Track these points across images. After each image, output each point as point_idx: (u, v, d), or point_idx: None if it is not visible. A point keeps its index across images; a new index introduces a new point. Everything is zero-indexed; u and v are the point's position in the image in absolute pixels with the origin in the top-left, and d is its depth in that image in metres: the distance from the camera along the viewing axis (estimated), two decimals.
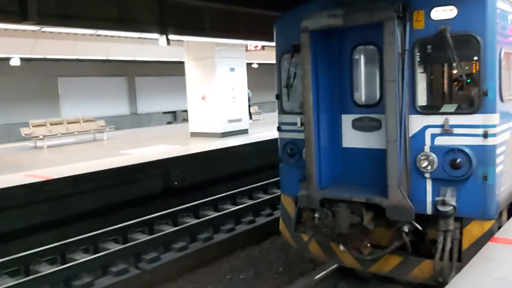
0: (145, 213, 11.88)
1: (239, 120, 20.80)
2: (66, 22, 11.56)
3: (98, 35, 19.55)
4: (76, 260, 9.36)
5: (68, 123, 21.12)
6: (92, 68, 30.56)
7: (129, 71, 33.21)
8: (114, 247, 10.05)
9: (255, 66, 33.57)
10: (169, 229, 11.11)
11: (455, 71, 6.21)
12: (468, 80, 6.23)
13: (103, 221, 11.49)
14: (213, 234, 11.11)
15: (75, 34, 20.90)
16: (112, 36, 21.30)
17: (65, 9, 11.32)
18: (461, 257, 6.07)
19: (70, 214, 11.84)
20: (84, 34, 20.76)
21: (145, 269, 9.30)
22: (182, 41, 19.75)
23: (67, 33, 20.30)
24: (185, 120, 27.15)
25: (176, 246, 10.20)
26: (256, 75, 32.05)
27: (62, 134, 20.29)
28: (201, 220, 11.68)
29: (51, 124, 20.33)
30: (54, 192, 11.92)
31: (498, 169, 6.02)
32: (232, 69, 20.34)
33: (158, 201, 13.20)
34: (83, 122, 21.53)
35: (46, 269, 8.97)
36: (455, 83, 6.41)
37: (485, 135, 5.85)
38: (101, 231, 10.62)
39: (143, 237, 10.56)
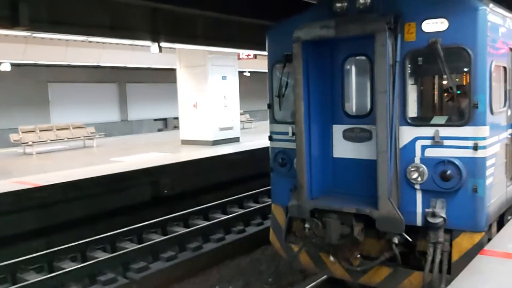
0: (134, 221, 11.77)
1: (231, 128, 20.76)
2: (57, 28, 11.52)
3: (90, 42, 19.47)
4: (64, 268, 9.24)
5: (57, 129, 20.94)
6: (83, 74, 30.43)
7: (120, 77, 33.11)
8: (102, 255, 9.94)
9: (247, 74, 33.62)
10: (158, 238, 11.02)
11: (445, 83, 6.22)
12: (459, 92, 6.27)
13: (92, 229, 11.38)
14: (202, 243, 11.02)
15: (66, 40, 20.79)
16: (103, 43, 21.23)
17: (57, 15, 11.28)
18: (451, 270, 6.06)
19: (58, 222, 11.71)
20: (75, 40, 20.67)
21: (134, 278, 9.20)
22: (174, 48, 19.72)
23: (59, 39, 20.20)
24: (176, 127, 27.00)
25: (165, 255, 10.10)
26: (248, 84, 32.10)
27: (51, 140, 20.10)
28: (190, 229, 11.59)
29: (40, 130, 20.14)
30: (43, 199, 11.79)
31: (488, 181, 6.04)
32: (224, 77, 20.33)
33: (148, 210, 13.10)
34: (73, 128, 21.37)
35: (34, 278, 8.86)
36: (446, 95, 6.43)
37: (475, 148, 5.87)
38: (89, 239, 10.51)
39: (131, 246, 10.46)
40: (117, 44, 20.59)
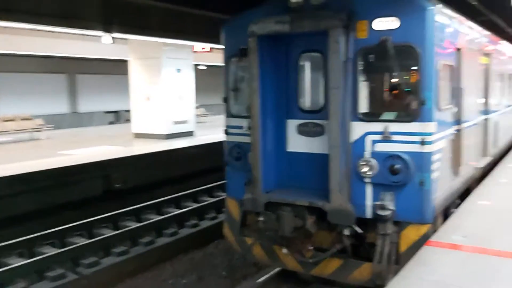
0: (85, 216, 11.48)
1: (185, 122, 20.53)
2: (6, 16, 10.99)
3: (38, 30, 18.74)
4: (10, 264, 8.91)
5: (3, 121, 20.04)
6: (32, 64, 29.25)
7: (71, 68, 32.05)
8: (51, 251, 9.65)
9: (203, 68, 33.36)
10: (110, 232, 10.80)
11: (395, 80, 6.42)
12: (408, 89, 6.49)
13: (40, 224, 11.01)
14: (155, 238, 10.90)
15: (13, 28, 19.91)
16: (53, 32, 20.47)
17: (5, 3, 10.76)
18: (399, 260, 6.28)
19: (4, 217, 11.25)
20: (23, 29, 19.83)
21: (83, 273, 8.99)
22: (127, 39, 19.28)
23: (4, 27, 19.31)
24: (128, 120, 26.45)
25: (117, 250, 9.93)
26: (204, 77, 31.86)
27: None
28: (143, 223, 11.43)
29: None
30: None
31: (434, 175, 6.29)
32: (178, 70, 20.06)
33: (99, 204, 12.82)
34: (20, 120, 20.51)
35: None
36: (394, 91, 6.64)
37: (423, 143, 6.11)
38: (37, 234, 10.16)
39: (81, 241, 10.21)
40: (67, 33, 19.96)
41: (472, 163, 8.59)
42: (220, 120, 7.87)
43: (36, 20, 11.51)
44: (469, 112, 8.16)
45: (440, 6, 6.44)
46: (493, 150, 10.67)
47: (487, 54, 9.79)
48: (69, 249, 9.64)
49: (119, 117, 35.48)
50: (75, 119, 31.98)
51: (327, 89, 6.43)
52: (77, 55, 27.84)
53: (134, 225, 11.40)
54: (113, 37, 13.65)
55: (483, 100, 9.69)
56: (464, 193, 8.10)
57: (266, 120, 6.98)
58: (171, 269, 9.80)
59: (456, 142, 7.40)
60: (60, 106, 32.11)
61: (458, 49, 7.35)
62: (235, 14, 7.63)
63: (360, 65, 6.45)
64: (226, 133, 7.82)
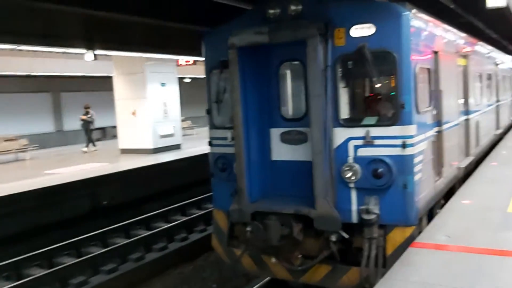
0: (72, 235, 11.38)
1: (172, 135, 20.55)
2: None
3: (20, 50, 18.65)
4: None
5: None
6: (14, 84, 28.98)
7: (54, 86, 31.80)
8: (38, 272, 9.53)
9: (188, 80, 33.39)
10: (98, 250, 10.71)
11: (374, 86, 6.51)
12: (387, 94, 6.58)
13: (26, 245, 10.88)
14: (144, 253, 10.84)
15: None
16: (35, 51, 20.40)
17: None
18: (386, 263, 6.32)
19: None
20: (3, 49, 19.73)
21: None
22: (110, 55, 19.28)
23: None
24: (115, 136, 26.40)
25: (106, 268, 9.85)
26: (189, 90, 31.88)
27: None
28: (131, 240, 11.36)
29: None
30: None
31: (417, 177, 6.36)
32: (163, 84, 20.12)
33: (86, 222, 12.72)
34: (4, 141, 20.33)
35: None
36: (374, 96, 6.72)
37: (404, 146, 6.17)
38: (23, 256, 10.04)
39: (69, 261, 10.10)
40: (49, 52, 19.90)
41: (455, 163, 8.71)
42: (206, 132, 7.89)
43: (17, 40, 11.48)
44: (450, 113, 8.28)
45: (415, 11, 6.55)
46: (475, 150, 10.82)
47: (464, 56, 9.96)
48: (57, 270, 9.52)
49: (106, 133, 35.23)
50: (61, 138, 31.66)
51: (308, 97, 6.49)
52: (60, 73, 27.72)
53: (123, 241, 11.32)
54: (95, 54, 13.66)
55: (463, 101, 9.84)
56: (448, 193, 8.20)
57: (249, 130, 7.01)
58: (160, 285, 9.74)
59: (438, 144, 7.50)
60: (45, 125, 31.79)
61: (435, 52, 7.48)
62: (215, 26, 7.69)
63: (340, 72, 6.52)
64: (210, 144, 7.84)
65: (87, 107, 22.45)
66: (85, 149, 22.01)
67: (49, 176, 14.82)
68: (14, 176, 15.13)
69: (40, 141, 25.71)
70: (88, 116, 22.16)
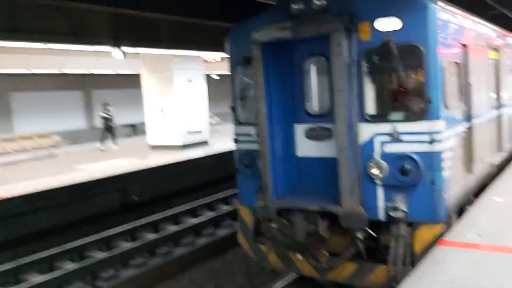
0: (103, 230, 11.62)
1: (199, 131, 20.71)
2: (15, 36, 11.24)
3: (52, 49, 19.10)
4: (30, 281, 9.05)
5: (21, 139, 20.44)
6: (47, 82, 29.76)
7: (86, 84, 32.53)
8: (70, 266, 9.77)
9: (216, 77, 33.54)
10: (128, 245, 10.90)
11: (400, 80, 6.37)
12: (414, 89, 6.43)
13: (59, 239, 11.17)
14: (173, 248, 10.96)
15: (28, 48, 20.33)
16: (67, 50, 20.87)
17: (15, 23, 11.00)
18: (414, 262, 6.20)
19: (24, 234, 11.47)
20: (37, 48, 20.25)
21: (102, 287, 9.08)
22: (138, 53, 19.53)
23: (20, 47, 19.74)
24: (145, 132, 26.80)
25: (135, 262, 10.01)
26: (217, 86, 32.01)
27: (15, 151, 19.61)
28: (160, 235, 11.51)
29: (3, 141, 19.63)
30: (7, 211, 11.54)
31: (445, 174, 6.21)
32: (190, 81, 20.27)
33: (116, 217, 12.95)
34: (37, 137, 20.89)
35: None
36: (400, 91, 6.58)
37: (431, 141, 6.04)
38: (56, 250, 10.31)
39: (100, 255, 10.32)
40: (81, 50, 20.32)
41: (486, 159, 8.46)
42: None
43: (46, 38, 11.74)
44: (480, 108, 8.05)
45: (442, 3, 6.38)
46: (509, 145, 10.49)
47: (496, 49, 9.65)
48: (87, 263, 9.74)
49: (136, 130, 35.80)
50: (93, 134, 32.34)
51: (333, 92, 6.41)
52: (91, 71, 28.27)
53: (152, 236, 11.48)
54: (123, 52, 13.84)
55: (495, 95, 9.54)
56: (479, 191, 7.99)
57: (273, 127, 6.98)
58: (189, 279, 9.83)
59: (468, 139, 7.30)
60: (77, 122, 32.55)
61: (464, 45, 7.27)
62: (239, 23, 7.68)
63: (365, 67, 6.41)
64: (235, 141, 7.85)
65: (105, 104, 22.32)
66: (102, 147, 21.33)
67: (81, 172, 15.14)
68: (47, 171, 15.52)
69: (72, 138, 26.34)
70: (108, 113, 21.94)
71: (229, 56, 7.89)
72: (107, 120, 21.82)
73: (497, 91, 9.71)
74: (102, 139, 21.77)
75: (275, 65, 6.98)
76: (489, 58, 9.05)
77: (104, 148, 21.30)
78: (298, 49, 7.07)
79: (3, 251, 10.79)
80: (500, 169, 9.46)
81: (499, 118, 9.68)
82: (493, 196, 7.55)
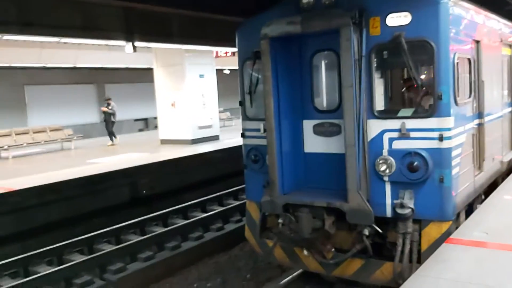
0: (112, 223, 11.69)
1: (210, 126, 20.74)
2: (27, 30, 11.32)
3: (65, 43, 19.24)
4: (39, 272, 9.15)
5: (34, 132, 20.67)
6: (60, 76, 30.06)
7: (98, 78, 32.77)
8: (79, 258, 9.85)
9: (227, 72, 33.56)
10: (136, 238, 10.96)
11: (410, 76, 6.29)
12: (424, 85, 6.37)
13: (69, 232, 11.27)
14: (181, 242, 11.01)
15: (41, 42, 20.52)
16: (79, 44, 21.01)
17: (27, 17, 11.07)
18: (421, 259, 6.15)
19: (34, 226, 11.59)
20: (50, 42, 20.43)
21: (110, 280, 9.15)
22: (151, 48, 19.60)
23: (33, 41, 19.93)
24: (157, 127, 26.88)
25: (143, 255, 10.06)
26: (228, 81, 32.02)
27: (28, 144, 19.84)
28: (169, 228, 11.56)
29: (16, 134, 19.87)
30: (18, 203, 11.66)
31: (454, 171, 6.14)
32: (201, 76, 20.29)
33: (126, 211, 13.02)
34: (50, 131, 21.11)
35: (8, 283, 8.73)
36: (410, 87, 6.52)
37: (441, 138, 5.97)
38: (65, 242, 10.40)
39: (109, 248, 10.39)
40: (93, 44, 20.45)
41: (498, 157, 8.35)
42: None
43: (57, 32, 11.82)
44: (492, 105, 7.94)
45: None
46: None
47: (510, 45, 9.50)
48: (96, 256, 9.81)
49: (148, 124, 36.02)
50: (104, 128, 32.62)
51: (341, 88, 6.35)
52: (104, 65, 28.46)
53: (161, 230, 11.53)
54: (135, 46, 13.89)
55: (508, 92, 9.40)
56: (490, 188, 7.89)
57: (281, 122, 6.95)
58: (196, 273, 9.87)
59: (479, 136, 7.21)
60: (90, 116, 32.84)
61: (477, 41, 7.16)
62: (248, 17, 7.65)
63: (375, 62, 6.35)
64: (243, 136, 7.84)
65: (108, 99, 21.89)
66: (111, 142, 21.37)
67: (92, 165, 15.27)
68: (59, 165, 15.69)
69: (85, 131, 26.59)
70: (110, 108, 21.42)
71: (237, 51, 7.87)
72: (109, 115, 21.40)
73: (511, 87, 9.57)
74: (109, 134, 21.64)
75: (284, 60, 6.94)
76: (502, 55, 8.91)
77: (115, 143, 21.34)
78: (307, 44, 7.02)
79: (13, 243, 10.91)
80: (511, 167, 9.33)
81: (511, 115, 9.54)
82: (503, 194, 7.45)
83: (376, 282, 6.66)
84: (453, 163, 6.12)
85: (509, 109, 9.37)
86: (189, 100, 19.74)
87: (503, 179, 8.72)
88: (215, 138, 20.76)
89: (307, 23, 6.39)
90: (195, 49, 18.80)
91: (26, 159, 18.43)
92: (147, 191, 14.45)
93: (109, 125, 21.62)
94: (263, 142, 7.25)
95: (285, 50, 6.94)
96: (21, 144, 19.58)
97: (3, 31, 10.56)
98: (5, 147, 18.74)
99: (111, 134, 21.68)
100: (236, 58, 8.14)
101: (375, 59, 6.36)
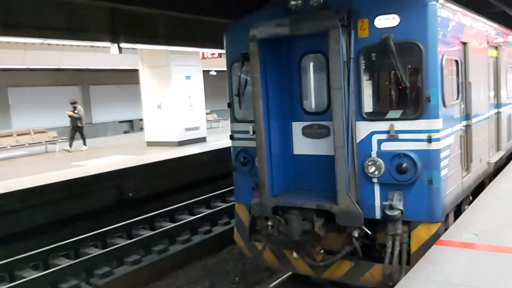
0: (98, 226, 11.54)
1: (197, 128, 20.65)
2: (11, 31, 11.14)
3: (49, 44, 18.98)
4: (25, 277, 8.99)
5: (18, 135, 20.37)
6: (44, 78, 29.62)
7: (83, 80, 32.39)
8: (65, 262, 9.71)
9: (213, 73, 33.47)
10: (123, 242, 10.84)
11: (398, 78, 6.30)
12: (412, 87, 6.37)
13: (55, 236, 11.11)
14: (168, 245, 10.92)
15: (24, 43, 20.22)
16: (63, 45, 20.74)
17: (10, 18, 10.91)
18: (410, 261, 6.16)
19: (19, 230, 11.39)
20: (34, 43, 20.14)
21: (97, 284, 9.04)
22: (136, 49, 19.44)
23: (16, 42, 19.63)
24: (143, 129, 26.64)
25: (130, 259, 9.96)
26: (215, 83, 31.94)
27: (12, 146, 19.54)
28: (156, 231, 11.45)
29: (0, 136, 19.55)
30: (2, 207, 11.46)
31: (443, 172, 6.16)
32: (188, 77, 20.20)
33: (112, 214, 12.89)
34: (34, 133, 20.82)
35: None
36: (398, 89, 6.52)
37: (429, 140, 5.98)
38: (51, 246, 10.24)
39: (95, 251, 10.26)
40: (78, 46, 20.21)
41: (485, 158, 8.42)
42: None
43: (42, 34, 11.64)
44: (479, 107, 8.00)
45: (442, 0, 6.32)
46: (507, 144, 10.45)
47: (496, 47, 9.60)
48: (83, 260, 9.68)
49: (134, 126, 35.72)
50: (90, 130, 32.16)
51: (330, 90, 6.34)
52: (89, 67, 28.14)
53: (148, 233, 11.43)
54: (120, 47, 13.75)
55: (494, 94, 9.49)
56: (478, 189, 7.94)
57: (271, 124, 6.91)
58: (184, 277, 9.80)
59: (466, 138, 7.25)
60: None
61: (464, 43, 7.21)
62: (233, 19, 7.60)
63: (363, 64, 6.35)
64: (232, 138, 7.79)
65: (73, 103, 20.41)
66: (69, 148, 19.87)
67: (77, 168, 15.08)
68: (43, 167, 15.45)
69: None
70: (75, 112, 20.09)
71: (225, 52, 7.82)
72: (75, 120, 20.02)
73: (497, 89, 9.67)
74: (70, 139, 20.19)
75: (273, 61, 6.91)
76: (488, 56, 8.99)
77: (71, 150, 19.85)
78: (296, 46, 7.00)
79: None
80: (498, 168, 9.42)
81: (498, 117, 9.63)
82: (491, 195, 7.51)
83: (366, 284, 6.64)
84: (442, 164, 6.14)
85: (495, 111, 9.46)
86: (175, 102, 19.63)
87: (490, 180, 8.79)
88: (202, 140, 20.67)
89: (295, 25, 6.37)
90: (181, 51, 18.71)
91: (9, 162, 18.14)
92: (134, 193, 14.32)
93: (76, 130, 20.22)
94: (252, 144, 7.20)
95: (273, 52, 6.92)
96: (5, 147, 19.28)
97: None
98: None
99: (74, 139, 20.26)
100: (222, 59, 8.09)
101: (364, 61, 6.36)
